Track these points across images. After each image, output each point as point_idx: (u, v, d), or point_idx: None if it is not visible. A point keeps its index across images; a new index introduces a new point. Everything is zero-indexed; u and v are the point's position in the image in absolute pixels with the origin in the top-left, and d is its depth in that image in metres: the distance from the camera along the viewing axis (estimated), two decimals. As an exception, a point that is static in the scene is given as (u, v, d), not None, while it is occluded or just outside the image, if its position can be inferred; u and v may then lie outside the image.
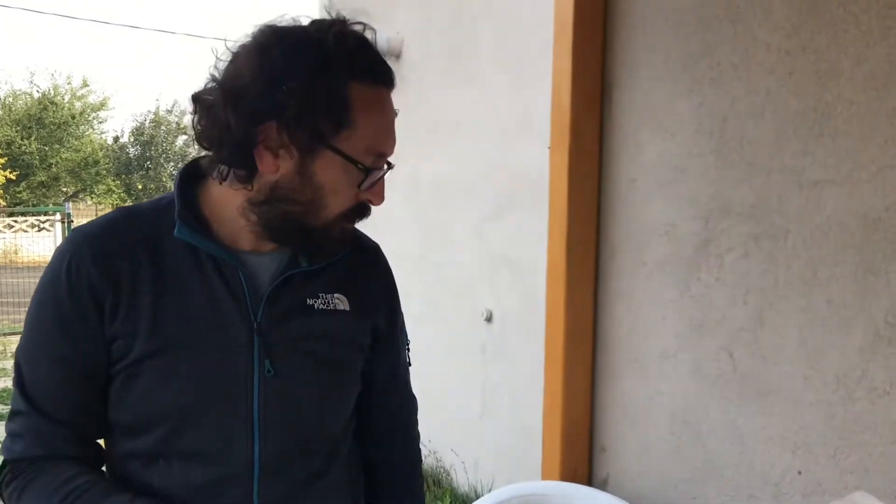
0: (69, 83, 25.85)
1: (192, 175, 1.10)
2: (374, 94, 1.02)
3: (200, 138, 1.03)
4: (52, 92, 25.07)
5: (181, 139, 27.56)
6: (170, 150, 27.45)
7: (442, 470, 3.96)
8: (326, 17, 1.08)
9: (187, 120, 1.08)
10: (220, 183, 1.05)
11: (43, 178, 23.87)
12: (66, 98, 25.38)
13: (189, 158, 1.15)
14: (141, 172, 26.99)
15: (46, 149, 23.85)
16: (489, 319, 3.63)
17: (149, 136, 27.49)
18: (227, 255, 1.05)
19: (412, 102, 4.15)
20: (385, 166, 1.05)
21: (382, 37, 4.19)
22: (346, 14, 1.09)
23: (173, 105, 28.53)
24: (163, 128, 27.64)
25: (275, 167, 1.00)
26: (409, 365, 1.32)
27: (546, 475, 2.60)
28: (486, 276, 3.65)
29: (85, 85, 25.91)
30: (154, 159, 27.27)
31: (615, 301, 2.56)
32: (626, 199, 2.51)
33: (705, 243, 2.29)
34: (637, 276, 2.48)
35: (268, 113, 0.97)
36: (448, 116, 3.86)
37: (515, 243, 3.44)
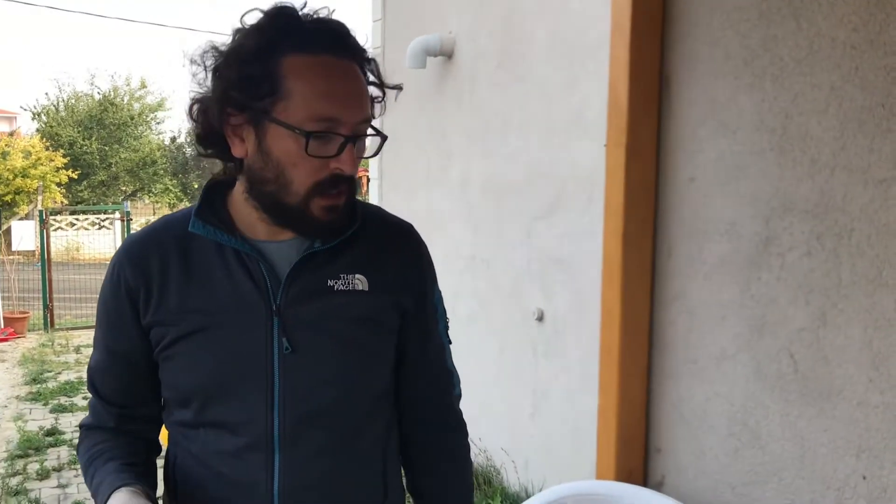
0: (128, 84, 26.48)
1: (222, 183, 1.22)
2: (309, 62, 1.06)
3: (198, 138, 1.16)
4: (112, 93, 25.72)
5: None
6: (224, 150, 27.82)
7: (492, 469, 3.96)
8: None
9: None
10: (237, 180, 1.17)
11: (103, 178, 24.52)
12: (126, 99, 26.01)
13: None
14: (197, 172, 27.49)
15: (106, 149, 24.48)
16: (540, 319, 3.62)
17: (204, 137, 27.89)
18: (245, 246, 1.15)
19: (464, 101, 4.16)
20: (346, 132, 1.07)
21: (435, 36, 4.21)
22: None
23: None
24: (217, 128, 28.03)
25: (243, 150, 1.11)
26: (450, 343, 1.35)
27: (601, 475, 2.58)
28: (537, 275, 3.63)
29: (143, 86, 26.51)
30: (210, 159, 27.68)
31: (672, 301, 2.52)
32: (684, 198, 2.47)
33: (766, 242, 2.24)
34: (695, 276, 2.45)
35: (224, 101, 1.08)
36: (499, 115, 3.85)
37: (567, 242, 3.42)
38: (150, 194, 26.00)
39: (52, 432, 5.31)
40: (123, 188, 25.60)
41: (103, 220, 18.35)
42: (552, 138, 3.49)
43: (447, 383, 1.35)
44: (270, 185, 1.10)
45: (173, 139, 28.22)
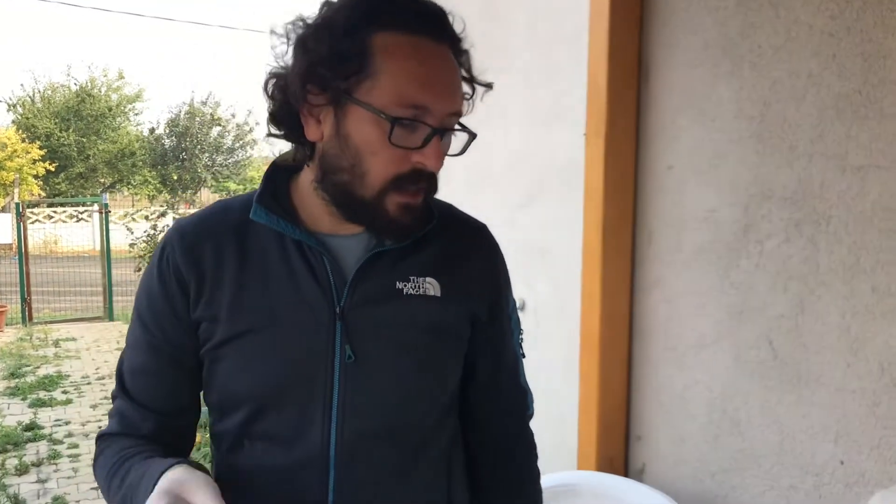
0: (105, 75, 26.27)
1: (285, 168, 1.10)
2: (402, 42, 0.97)
3: (271, 116, 1.04)
4: (89, 84, 25.45)
5: (216, 130, 27.86)
6: (204, 141, 27.74)
7: (475, 458, 3.96)
8: None
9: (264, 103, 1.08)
10: (305, 167, 1.06)
11: (81, 170, 24.30)
12: (103, 90, 25.76)
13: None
14: (176, 163, 27.31)
15: (84, 140, 24.27)
16: (522, 308, 3.62)
17: (183, 128, 27.79)
18: (309, 238, 1.04)
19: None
20: (434, 123, 0.98)
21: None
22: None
23: (208, 97, 28.87)
24: (197, 119, 27.92)
25: (318, 133, 1.00)
26: (523, 356, 1.26)
27: (581, 464, 2.58)
28: (518, 265, 3.61)
29: (121, 77, 26.28)
30: (189, 150, 27.59)
31: (652, 289, 2.53)
32: (663, 186, 2.48)
33: (745, 229, 2.25)
34: (674, 264, 2.45)
35: (308, 77, 0.97)
36: (479, 102, 3.83)
37: (547, 232, 3.41)
38: (129, 186, 25.80)
39: (31, 427, 5.26)
40: (102, 180, 25.38)
41: (81, 213, 18.16)
42: (532, 127, 3.48)
43: (521, 403, 1.26)
44: (344, 174, 0.99)
45: (152, 130, 27.98)
